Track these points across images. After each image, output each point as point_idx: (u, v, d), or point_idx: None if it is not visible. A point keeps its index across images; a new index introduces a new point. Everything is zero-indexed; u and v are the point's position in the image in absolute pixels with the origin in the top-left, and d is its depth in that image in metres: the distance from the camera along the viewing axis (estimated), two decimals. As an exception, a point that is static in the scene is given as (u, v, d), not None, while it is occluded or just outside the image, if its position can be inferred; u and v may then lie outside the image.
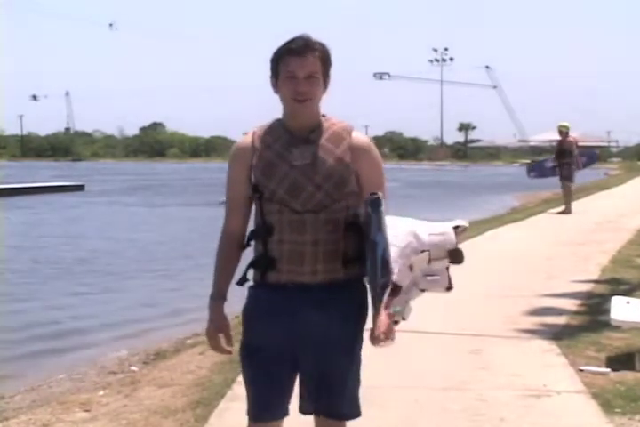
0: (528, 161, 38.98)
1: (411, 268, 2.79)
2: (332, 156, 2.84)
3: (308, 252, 2.81)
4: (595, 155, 20.96)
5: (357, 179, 2.87)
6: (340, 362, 2.90)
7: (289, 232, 2.81)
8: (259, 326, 2.89)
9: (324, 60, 2.86)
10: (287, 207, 2.81)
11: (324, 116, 2.93)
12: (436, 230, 2.85)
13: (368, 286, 2.85)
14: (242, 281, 2.94)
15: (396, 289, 2.74)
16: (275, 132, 2.90)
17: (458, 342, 6.32)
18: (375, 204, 2.73)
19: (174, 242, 17.03)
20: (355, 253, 2.85)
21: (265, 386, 2.91)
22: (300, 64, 2.81)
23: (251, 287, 2.96)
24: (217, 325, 2.95)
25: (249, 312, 2.95)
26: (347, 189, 2.84)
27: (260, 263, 2.88)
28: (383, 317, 2.70)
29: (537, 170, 19.10)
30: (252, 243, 2.95)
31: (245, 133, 2.97)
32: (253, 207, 2.93)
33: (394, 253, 2.72)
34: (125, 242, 17.37)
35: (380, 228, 2.69)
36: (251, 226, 2.98)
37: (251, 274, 2.95)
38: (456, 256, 2.86)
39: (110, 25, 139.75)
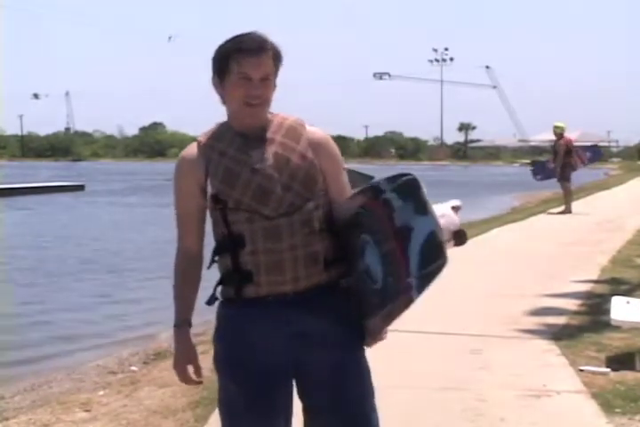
0: (528, 161, 38.93)
1: None
2: (294, 153, 2.63)
3: (286, 258, 2.57)
4: (599, 150, 20.77)
5: (322, 175, 2.67)
6: (346, 375, 2.65)
7: (263, 241, 2.57)
8: (245, 352, 2.63)
9: (277, 59, 2.65)
10: (257, 214, 2.57)
11: (270, 113, 2.71)
12: (436, 213, 2.62)
13: (364, 285, 2.60)
14: (211, 300, 2.69)
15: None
16: (225, 137, 2.66)
17: (458, 342, 6.32)
18: (412, 185, 2.44)
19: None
20: (334, 254, 2.65)
21: (264, 418, 2.64)
22: (255, 65, 2.58)
23: (222, 306, 2.69)
24: (185, 355, 2.73)
25: (228, 336, 2.68)
26: (316, 186, 2.63)
27: (233, 278, 2.62)
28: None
29: (542, 172, 19.10)
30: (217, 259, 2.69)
31: (189, 146, 2.74)
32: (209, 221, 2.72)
33: None
34: (127, 242, 17.37)
35: (422, 210, 2.40)
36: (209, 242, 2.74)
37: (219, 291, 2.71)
38: (460, 237, 2.68)
39: (169, 38, 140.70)
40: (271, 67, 2.62)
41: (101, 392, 5.93)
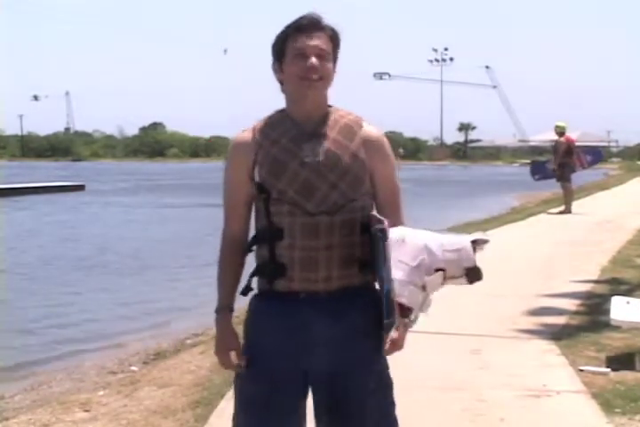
0: (528, 161, 38.93)
1: (424, 287, 2.52)
2: (347, 151, 2.58)
3: (321, 257, 2.55)
4: (600, 153, 20.54)
5: (371, 177, 2.62)
6: (362, 383, 2.62)
7: (301, 236, 2.54)
8: (267, 344, 2.61)
9: (335, 40, 2.62)
10: (299, 209, 2.54)
11: (330, 106, 2.67)
12: (452, 246, 2.54)
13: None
14: (246, 290, 2.67)
15: (408, 311, 2.53)
16: (280, 126, 2.62)
17: (458, 342, 6.32)
18: (382, 234, 2.44)
19: (177, 242, 17.03)
20: (371, 256, 2.59)
21: (276, 416, 2.59)
22: (309, 41, 2.56)
23: (255, 297, 2.68)
24: (226, 341, 2.66)
25: (254, 327, 2.66)
26: (363, 187, 2.59)
27: (268, 270, 2.60)
28: (397, 335, 2.55)
29: (540, 172, 19.08)
30: (254, 248, 2.67)
31: (244, 130, 2.69)
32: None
33: (403, 273, 2.46)
34: (127, 241, 17.35)
35: (385, 263, 2.41)
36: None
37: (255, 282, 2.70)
38: (474, 275, 2.55)
39: (225, 51, 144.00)
40: (327, 45, 2.59)
41: (101, 392, 5.93)
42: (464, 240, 2.57)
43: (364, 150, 2.61)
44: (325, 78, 2.59)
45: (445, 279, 2.55)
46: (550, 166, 18.10)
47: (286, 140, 2.60)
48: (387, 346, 2.61)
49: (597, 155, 19.68)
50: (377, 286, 2.64)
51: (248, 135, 2.66)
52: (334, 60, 2.63)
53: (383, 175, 2.65)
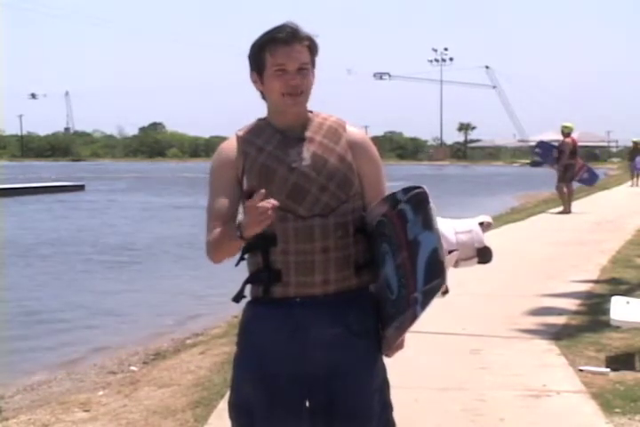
0: (528, 161, 38.94)
1: None
2: (333, 154, 2.59)
3: (317, 260, 2.54)
4: (596, 178, 19.81)
5: (359, 178, 2.62)
6: (360, 385, 2.62)
7: (295, 241, 2.53)
8: (265, 348, 2.58)
9: (313, 49, 2.60)
10: (291, 214, 2.53)
11: (310, 111, 2.67)
12: (463, 228, 2.61)
13: (384, 294, 2.57)
14: (238, 297, 2.62)
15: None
16: (264, 133, 2.62)
17: (458, 342, 6.32)
18: (421, 199, 2.41)
19: (177, 241, 17.02)
20: (365, 258, 2.61)
21: (276, 419, 2.57)
22: (289, 55, 2.53)
23: (249, 304, 2.65)
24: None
25: (251, 331, 2.63)
26: (352, 189, 2.60)
27: (262, 277, 2.57)
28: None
29: (542, 148, 18.98)
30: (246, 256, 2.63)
31: (228, 140, 2.69)
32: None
33: None
34: (127, 240, 17.35)
35: (429, 225, 2.37)
36: None
37: (248, 290, 2.66)
38: (485, 255, 2.61)
39: (348, 71, 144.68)
40: (306, 56, 2.57)
41: (101, 392, 5.93)
42: (473, 222, 2.65)
43: (350, 152, 2.62)
44: (305, 92, 2.59)
45: (458, 261, 2.60)
46: (555, 155, 17.86)
47: (272, 147, 2.60)
48: (395, 343, 2.58)
49: (593, 178, 19.20)
50: (383, 279, 2.58)
51: (233, 144, 2.65)
52: (314, 67, 2.62)
53: (370, 176, 2.66)
